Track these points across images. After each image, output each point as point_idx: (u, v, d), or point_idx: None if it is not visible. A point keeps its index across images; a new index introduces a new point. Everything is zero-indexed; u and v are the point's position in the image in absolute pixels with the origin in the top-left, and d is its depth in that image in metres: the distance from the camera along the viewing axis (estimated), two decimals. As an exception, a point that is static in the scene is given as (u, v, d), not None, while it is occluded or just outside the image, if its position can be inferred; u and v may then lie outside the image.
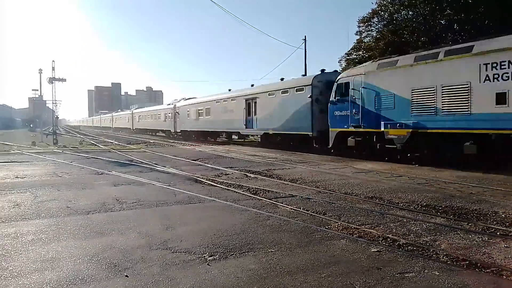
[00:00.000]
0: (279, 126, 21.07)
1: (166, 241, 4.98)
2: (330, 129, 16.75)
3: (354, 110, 15.34)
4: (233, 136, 30.41)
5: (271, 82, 24.97)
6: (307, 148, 19.29)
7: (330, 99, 16.71)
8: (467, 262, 4.27)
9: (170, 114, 40.54)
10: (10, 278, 3.81)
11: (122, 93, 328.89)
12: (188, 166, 13.51)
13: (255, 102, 23.88)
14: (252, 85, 26.80)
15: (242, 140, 30.01)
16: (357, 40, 38.20)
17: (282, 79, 23.48)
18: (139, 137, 42.87)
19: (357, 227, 5.66)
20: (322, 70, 19.52)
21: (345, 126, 15.88)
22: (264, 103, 22.83)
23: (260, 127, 23.28)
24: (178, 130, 38.16)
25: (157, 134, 48.23)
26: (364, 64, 16.05)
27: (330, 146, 16.88)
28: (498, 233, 5.37)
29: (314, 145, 18.73)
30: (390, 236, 5.19)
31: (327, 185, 9.24)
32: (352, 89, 15.48)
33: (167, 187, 9.18)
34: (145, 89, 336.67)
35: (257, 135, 24.89)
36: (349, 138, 15.69)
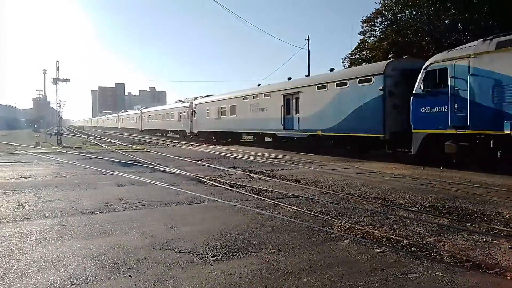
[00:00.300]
0: (333, 126, 17.08)
1: (169, 241, 4.99)
2: (413, 130, 12.94)
3: (456, 105, 11.65)
4: (266, 138, 25.52)
5: (318, 74, 20.86)
6: (373, 154, 16.27)
7: (414, 91, 12.94)
8: (471, 263, 4.25)
9: (185, 113, 36.83)
10: (15, 278, 3.84)
11: (126, 93, 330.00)
12: (191, 167, 13.54)
13: (297, 98, 20.02)
14: (289, 79, 23.24)
15: (278, 143, 24.01)
16: (360, 40, 38.17)
17: (332, 70, 20.06)
18: (143, 137, 42.96)
19: (360, 227, 5.65)
20: (392, 56, 15.80)
21: (440, 127, 12.14)
22: (310, 99, 18.89)
23: (304, 128, 19.30)
24: (195, 131, 34.34)
25: (167, 135, 45.29)
26: (469, 44, 12.26)
27: (413, 152, 13.09)
28: (502, 234, 5.35)
29: (387, 150, 15.28)
30: (393, 236, 5.17)
31: (330, 186, 9.23)
32: (452, 77, 11.84)
33: (170, 187, 9.20)
34: (148, 90, 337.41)
35: (296, 137, 20.96)
36: (447, 143, 11.91)
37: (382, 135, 14.52)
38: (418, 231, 5.46)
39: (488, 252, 4.63)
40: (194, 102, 34.90)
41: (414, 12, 33.80)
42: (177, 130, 40.70)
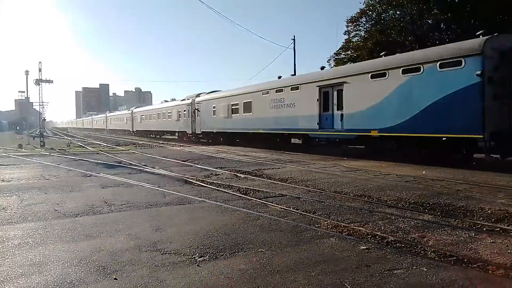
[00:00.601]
0: (397, 125, 13.57)
1: (155, 243, 4.94)
2: None
3: None
4: (293, 140, 22.08)
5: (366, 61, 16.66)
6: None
7: None
8: (455, 258, 4.33)
9: (185, 112, 32.98)
10: (-4, 283, 3.75)
11: (110, 94, 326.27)
12: (177, 167, 13.44)
13: (340, 90, 16.37)
14: (322, 68, 19.61)
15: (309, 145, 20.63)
16: (345, 39, 38.61)
17: (383, 55, 15.65)
18: (130, 139, 42.47)
19: (346, 225, 5.70)
20: (483, 33, 11.82)
21: None
22: (360, 90, 15.24)
23: (351, 127, 15.74)
24: (198, 131, 30.54)
25: (162, 137, 42.00)
26: None
27: None
28: (484, 229, 5.46)
29: (486, 156, 11.46)
30: (379, 233, 5.23)
31: (317, 184, 9.28)
32: None
33: (156, 188, 9.12)
34: (133, 90, 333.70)
35: (339, 139, 17.76)
36: None
37: (481, 136, 11.08)
38: (403, 228, 5.54)
39: (471, 246, 4.72)
40: (197, 99, 31.09)
41: (398, 12, 34.30)
42: (175, 131, 36.82)
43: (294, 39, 37.28)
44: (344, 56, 38.15)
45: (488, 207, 6.60)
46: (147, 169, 12.94)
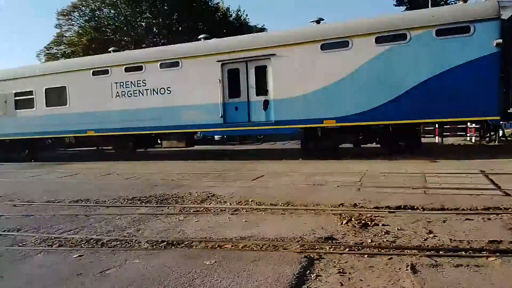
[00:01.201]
0: (368, 110, 10.87)
1: None
2: None
3: None
4: (166, 143, 15.79)
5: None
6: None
7: None
8: (165, 242, 4.67)
9: None
10: None
11: None
12: None
13: (261, 67, 12.17)
14: (206, 38, 13.70)
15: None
16: (57, 33, 35.31)
17: (318, 22, 12.16)
18: None
19: (58, 236, 5.15)
20: None
21: None
22: (302, 66, 11.53)
23: (285, 118, 11.85)
24: None
25: None
26: None
27: None
28: (191, 211, 6.21)
29: (497, 141, 9.86)
30: (93, 237, 5.01)
31: (24, 196, 7.99)
32: None
33: None
34: None
35: (263, 135, 14.67)
36: None
37: (496, 118, 9.87)
38: (119, 225, 5.54)
39: (180, 229, 5.24)
40: None
41: (113, 11, 34.25)
42: None
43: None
44: (57, 51, 34.85)
45: (195, 191, 7.57)
46: None
